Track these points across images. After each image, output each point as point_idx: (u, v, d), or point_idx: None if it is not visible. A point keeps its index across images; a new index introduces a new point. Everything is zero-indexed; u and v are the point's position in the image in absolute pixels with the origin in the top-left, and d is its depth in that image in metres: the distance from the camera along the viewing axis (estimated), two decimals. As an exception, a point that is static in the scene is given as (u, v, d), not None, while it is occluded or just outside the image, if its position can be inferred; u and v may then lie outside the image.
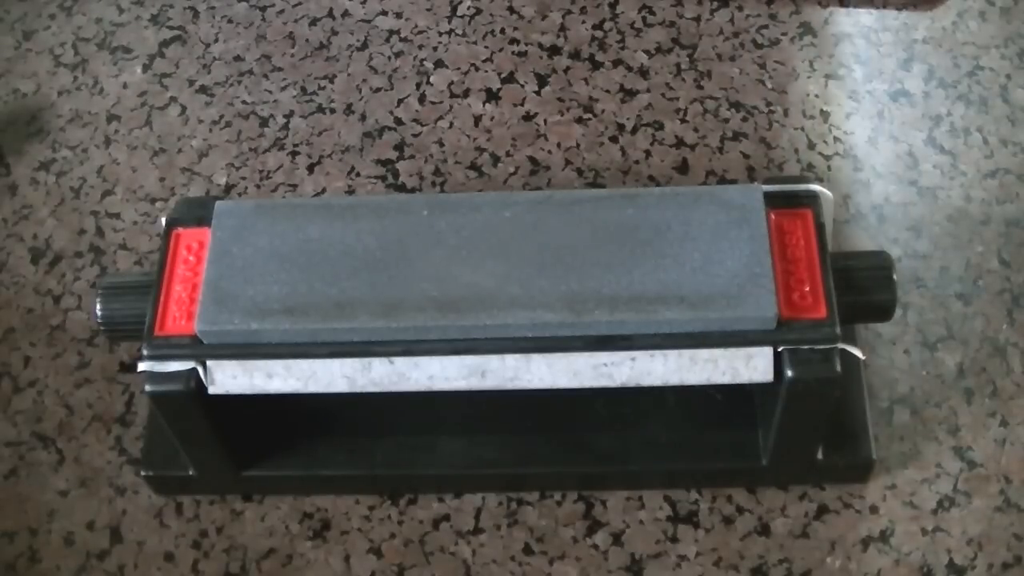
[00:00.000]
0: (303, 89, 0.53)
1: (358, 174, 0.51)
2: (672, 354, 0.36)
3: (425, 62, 0.54)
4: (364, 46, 0.55)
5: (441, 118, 0.52)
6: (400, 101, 0.53)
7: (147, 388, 0.37)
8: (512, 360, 0.36)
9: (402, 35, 0.55)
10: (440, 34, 0.55)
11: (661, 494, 0.42)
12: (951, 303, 0.46)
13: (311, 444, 0.42)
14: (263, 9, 0.56)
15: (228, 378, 0.37)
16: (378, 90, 0.53)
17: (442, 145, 0.51)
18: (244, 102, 0.53)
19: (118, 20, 0.56)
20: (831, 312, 0.36)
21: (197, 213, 0.39)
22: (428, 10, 0.55)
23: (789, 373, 0.35)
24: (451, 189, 0.50)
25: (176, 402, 0.37)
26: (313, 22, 0.56)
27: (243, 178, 0.51)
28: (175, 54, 0.55)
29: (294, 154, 0.51)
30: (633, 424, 0.42)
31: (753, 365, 0.36)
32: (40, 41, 0.56)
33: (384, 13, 0.56)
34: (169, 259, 0.38)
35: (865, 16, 0.54)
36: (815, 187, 0.38)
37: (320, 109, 0.53)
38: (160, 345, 0.37)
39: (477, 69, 0.53)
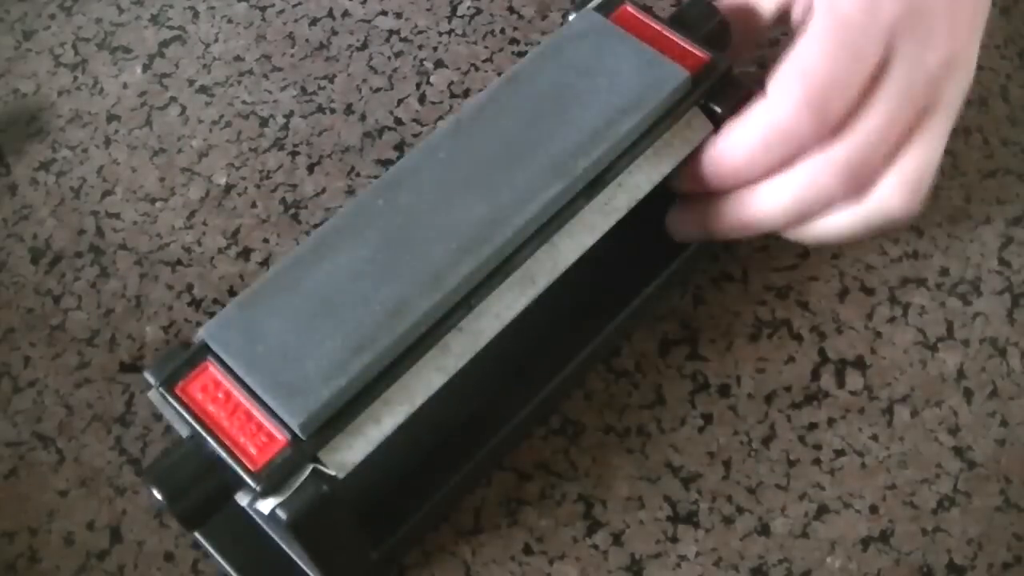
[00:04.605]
0: (303, 89, 0.53)
1: (358, 174, 0.51)
2: (641, 159, 0.39)
3: (425, 62, 0.54)
4: (364, 46, 0.55)
5: (441, 118, 0.52)
6: (400, 101, 0.53)
7: (289, 521, 0.33)
8: (545, 252, 0.38)
9: (402, 35, 0.55)
10: (440, 34, 0.55)
11: (661, 494, 0.42)
12: (951, 303, 0.46)
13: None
14: (263, 9, 0.56)
15: (347, 452, 0.34)
16: (378, 90, 0.53)
17: (442, 145, 0.51)
18: (244, 102, 0.53)
19: (118, 20, 0.56)
20: (704, 52, 0.41)
21: (179, 361, 0.35)
22: (428, 10, 0.56)
23: (718, 110, 0.41)
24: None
25: (321, 512, 0.34)
26: (313, 22, 0.56)
27: (243, 178, 0.51)
28: (175, 54, 0.55)
29: (294, 154, 0.51)
30: (559, 324, 0.43)
31: (695, 126, 0.40)
32: (40, 41, 0.56)
33: (384, 13, 0.56)
34: (199, 413, 0.35)
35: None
36: None
37: (320, 109, 0.53)
38: (272, 474, 0.33)
39: (477, 69, 0.53)
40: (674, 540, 0.42)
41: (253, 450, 0.34)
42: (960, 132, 0.50)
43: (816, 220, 0.42)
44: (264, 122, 0.53)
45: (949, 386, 0.44)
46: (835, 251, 0.47)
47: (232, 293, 0.48)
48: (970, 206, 0.48)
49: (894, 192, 0.40)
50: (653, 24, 0.41)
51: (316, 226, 0.49)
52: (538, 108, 0.39)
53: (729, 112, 0.41)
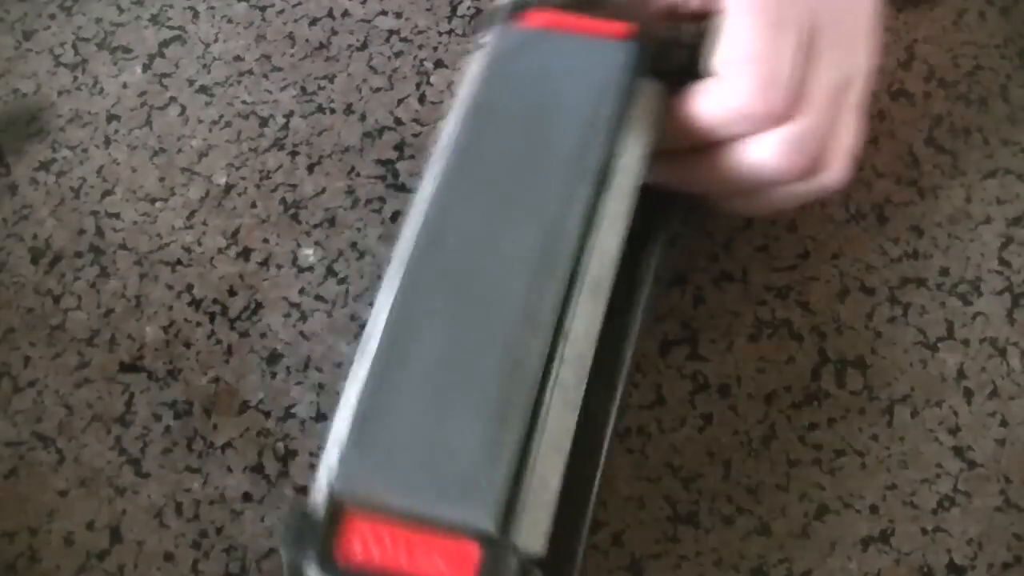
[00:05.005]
0: (303, 89, 0.53)
1: (358, 174, 0.51)
2: (627, 138, 0.38)
3: (425, 62, 0.54)
4: (364, 46, 0.55)
5: (441, 118, 0.52)
6: (400, 101, 0.53)
7: None
8: (594, 256, 0.36)
9: (402, 35, 0.55)
10: (440, 34, 0.55)
11: (661, 494, 0.42)
12: (951, 303, 0.46)
13: None
14: (263, 9, 0.56)
15: (536, 525, 0.32)
16: (378, 90, 0.53)
17: (442, 145, 0.51)
18: (244, 102, 0.53)
19: (118, 20, 0.56)
20: (626, 25, 0.40)
21: (317, 529, 0.31)
22: (428, 10, 0.55)
23: (665, 71, 0.40)
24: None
25: None
26: (313, 22, 0.56)
27: (243, 178, 0.51)
28: (175, 54, 0.55)
29: (294, 154, 0.51)
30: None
31: (653, 92, 0.40)
32: (40, 41, 0.56)
33: (384, 13, 0.56)
34: (381, 571, 0.31)
35: (865, 16, 0.54)
36: None
37: (320, 109, 0.53)
38: None
39: (477, 69, 0.53)
40: (674, 540, 0.42)
41: (454, 572, 0.31)
42: (960, 132, 0.50)
43: (762, 192, 0.42)
44: (264, 122, 0.53)
45: (949, 386, 0.44)
46: (835, 251, 0.47)
47: (232, 293, 0.48)
48: (970, 206, 0.48)
49: (833, 165, 0.41)
50: (563, 15, 0.41)
51: (317, 226, 0.49)
52: (520, 129, 0.38)
53: (675, 69, 0.41)
